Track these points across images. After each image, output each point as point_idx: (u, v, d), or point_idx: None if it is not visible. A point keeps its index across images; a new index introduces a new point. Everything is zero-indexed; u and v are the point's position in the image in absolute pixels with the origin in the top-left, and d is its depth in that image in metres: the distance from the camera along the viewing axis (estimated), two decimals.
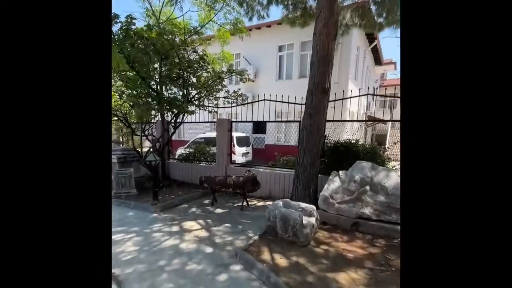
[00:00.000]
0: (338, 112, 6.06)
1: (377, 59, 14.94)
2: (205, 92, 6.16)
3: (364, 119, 11.29)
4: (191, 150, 7.60)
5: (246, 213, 4.99)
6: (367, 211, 3.85)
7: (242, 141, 9.80)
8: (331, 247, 3.44)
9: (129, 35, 4.09)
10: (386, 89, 17.91)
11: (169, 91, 5.88)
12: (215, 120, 6.70)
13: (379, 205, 3.84)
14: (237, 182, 5.11)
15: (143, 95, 5.22)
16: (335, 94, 5.70)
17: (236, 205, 5.48)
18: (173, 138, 8.13)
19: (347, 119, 9.42)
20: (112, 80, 5.13)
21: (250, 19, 7.39)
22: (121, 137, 11.21)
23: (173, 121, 6.29)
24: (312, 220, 3.59)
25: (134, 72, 4.75)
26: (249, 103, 6.19)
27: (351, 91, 6.86)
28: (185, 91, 5.80)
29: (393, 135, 12.14)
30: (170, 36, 4.67)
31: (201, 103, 6.09)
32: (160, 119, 6.54)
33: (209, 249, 3.52)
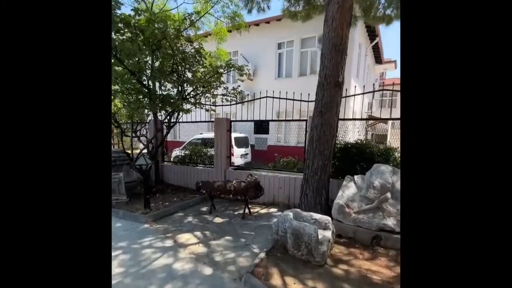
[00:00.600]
0: (341, 111, 5.54)
1: (378, 58, 14.49)
2: (201, 88, 5.59)
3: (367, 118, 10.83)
4: (187, 152, 7.01)
5: (248, 222, 4.42)
6: (390, 222, 3.31)
7: (241, 142, 9.25)
8: (351, 267, 2.90)
9: (114, 21, 3.51)
10: (384, 87, 17.50)
11: (163, 88, 5.30)
12: (212, 119, 6.12)
13: None
14: (238, 188, 4.54)
15: (133, 92, 4.63)
16: None
17: (236, 212, 4.91)
18: (168, 139, 7.55)
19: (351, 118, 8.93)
20: None
21: (250, 11, 6.84)
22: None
23: (167, 120, 5.71)
24: (328, 234, 3.04)
25: (122, 66, 4.17)
26: (250, 100, 5.63)
27: (355, 87, 6.33)
28: (179, 87, 5.22)
29: (393, 135, 11.71)
30: (162, 25, 4.10)
31: (197, 101, 5.51)
32: (152, 118, 5.92)
33: (208, 270, 2.95)
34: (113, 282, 2.71)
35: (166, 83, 5.16)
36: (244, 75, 5.77)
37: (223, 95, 5.92)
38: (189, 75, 5.32)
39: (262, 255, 3.13)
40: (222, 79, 5.70)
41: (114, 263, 3.07)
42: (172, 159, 7.69)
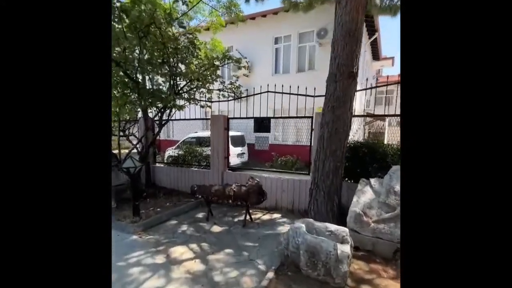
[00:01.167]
0: None
1: (375, 54, 14.12)
2: (196, 83, 5.05)
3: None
4: (180, 152, 6.46)
5: (250, 231, 3.92)
6: None
7: (237, 141, 8.75)
8: None
9: None
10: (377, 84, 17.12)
11: (153, 81, 4.73)
12: (208, 117, 5.59)
13: None
14: (238, 192, 4.03)
15: (118, 85, 4.06)
16: None
17: (236, 219, 4.40)
18: (162, 137, 6.98)
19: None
20: None
21: (247, 0, 6.32)
22: None
23: (158, 117, 5.15)
24: (347, 249, 2.56)
25: None
26: (249, 95, 5.12)
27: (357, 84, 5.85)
28: (171, 81, 4.66)
29: (390, 133, 11.36)
30: (150, 7, 3.54)
31: (191, 96, 4.96)
32: (142, 115, 5.34)
33: None
34: None
35: (157, 76, 4.59)
36: (242, 69, 5.23)
37: (219, 90, 5.39)
38: (182, 67, 4.76)
39: (271, 274, 2.63)
40: (218, 72, 5.16)
41: None
42: (165, 159, 7.13)
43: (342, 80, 3.29)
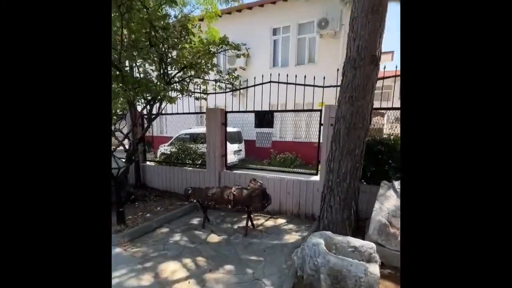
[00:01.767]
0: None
1: None
2: (190, 72, 4.45)
3: None
4: (173, 150, 5.87)
5: (253, 241, 3.39)
6: None
7: (233, 137, 8.21)
8: None
9: None
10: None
11: (140, 69, 4.11)
12: (203, 111, 5.00)
13: None
14: (239, 196, 3.49)
15: None
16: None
17: (236, 226, 3.86)
18: (155, 133, 6.37)
19: None
20: None
21: None
22: None
23: (147, 111, 4.55)
24: (376, 270, 2.04)
25: None
26: (249, 86, 4.53)
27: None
28: (162, 69, 4.06)
29: (388, 129, 10.94)
30: None
31: (185, 87, 4.36)
32: (127, 109, 4.71)
33: None
34: None
35: (144, 62, 3.97)
36: (240, 58, 4.65)
37: (216, 81, 4.80)
38: (174, 54, 4.15)
39: None
40: (214, 60, 4.56)
41: None
42: (158, 157, 6.52)
43: (363, 65, 2.75)
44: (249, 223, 3.64)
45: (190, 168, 5.30)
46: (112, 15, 3.27)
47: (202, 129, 7.76)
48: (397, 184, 2.94)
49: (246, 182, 4.53)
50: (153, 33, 3.61)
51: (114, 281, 2.54)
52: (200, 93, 4.76)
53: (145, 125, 4.78)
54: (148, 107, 4.45)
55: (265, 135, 7.92)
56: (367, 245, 2.26)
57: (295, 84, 4.11)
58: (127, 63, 4.00)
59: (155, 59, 3.66)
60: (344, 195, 2.93)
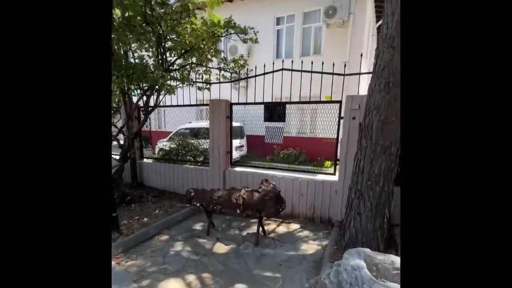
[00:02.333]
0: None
1: None
2: (191, 59, 3.92)
3: None
4: (173, 145, 5.37)
5: (266, 252, 2.92)
6: None
7: (236, 132, 7.71)
8: None
9: None
10: None
11: (136, 54, 3.58)
12: (206, 103, 4.48)
13: None
14: (249, 200, 3.01)
15: None
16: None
17: (245, 232, 3.40)
18: (152, 128, 5.85)
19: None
20: None
21: None
22: None
23: (143, 103, 4.03)
24: None
25: None
26: (260, 74, 4.00)
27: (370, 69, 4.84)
28: (160, 55, 3.53)
29: None
30: None
31: (185, 76, 3.83)
32: (121, 100, 4.18)
33: None
34: None
35: (139, 47, 3.44)
36: (248, 42, 4.12)
37: (220, 69, 4.28)
38: (174, 37, 3.61)
39: None
40: (219, 46, 4.03)
41: None
42: (156, 154, 6.01)
43: None
44: (260, 230, 3.17)
45: (192, 166, 4.81)
46: None
47: (202, 124, 7.26)
48: None
49: (254, 181, 4.06)
50: (149, 13, 3.08)
51: None
52: (202, 82, 4.24)
53: (142, 119, 4.26)
54: (144, 98, 3.93)
55: (276, 130, 7.30)
56: None
57: (311, 72, 3.60)
58: (118, 46, 3.46)
59: (152, 39, 3.13)
60: (377, 201, 2.46)
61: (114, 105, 4.70)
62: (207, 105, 4.37)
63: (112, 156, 3.17)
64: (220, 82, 4.32)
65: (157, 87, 3.88)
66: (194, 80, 4.15)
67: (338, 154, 3.56)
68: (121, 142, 4.26)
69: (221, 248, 3.01)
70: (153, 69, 3.22)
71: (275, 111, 3.81)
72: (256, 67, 4.29)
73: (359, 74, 3.40)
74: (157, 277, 2.47)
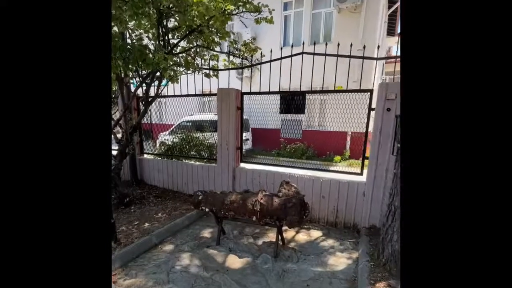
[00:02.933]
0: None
1: (391, 28, 12.40)
2: (196, 42, 3.39)
3: None
4: (175, 140, 4.89)
5: (287, 266, 2.48)
6: None
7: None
8: None
9: None
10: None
11: (134, 35, 3.05)
12: (213, 92, 3.97)
13: None
14: (269, 207, 2.55)
15: None
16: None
17: (261, 241, 2.95)
18: (153, 121, 5.34)
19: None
20: None
21: None
22: None
23: (143, 92, 3.52)
24: None
25: None
26: (275, 59, 3.46)
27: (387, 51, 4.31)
28: (161, 35, 3.00)
29: None
30: None
31: (189, 61, 3.31)
32: (118, 89, 3.66)
33: None
34: None
35: (137, 25, 2.90)
36: (253, 29, 3.58)
37: (229, 53, 3.76)
38: (177, 17, 3.07)
39: None
40: (229, 26, 3.49)
41: None
42: (158, 147, 5.54)
43: None
44: (279, 238, 2.72)
45: (197, 163, 4.33)
46: None
47: (205, 116, 6.77)
48: None
49: (267, 181, 3.60)
50: None
51: None
52: (209, 69, 3.71)
53: (141, 110, 3.76)
54: (144, 86, 3.42)
55: (293, 123, 6.64)
56: None
57: (337, 55, 3.08)
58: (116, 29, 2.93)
59: (151, 13, 2.60)
60: None
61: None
62: (214, 94, 3.86)
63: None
64: (229, 69, 3.80)
65: (158, 74, 3.38)
66: (200, 66, 3.62)
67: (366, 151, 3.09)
68: (119, 136, 3.78)
69: (235, 261, 2.56)
70: (153, 51, 2.70)
71: (292, 102, 3.30)
72: (261, 56, 3.75)
73: (396, 57, 2.88)
74: None
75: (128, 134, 3.52)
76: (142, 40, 2.86)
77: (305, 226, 3.31)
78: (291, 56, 3.34)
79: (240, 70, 7.78)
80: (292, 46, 3.66)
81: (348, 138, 7.83)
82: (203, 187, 4.12)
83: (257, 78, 4.25)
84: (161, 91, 3.68)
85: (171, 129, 6.48)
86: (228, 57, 3.80)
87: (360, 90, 3.11)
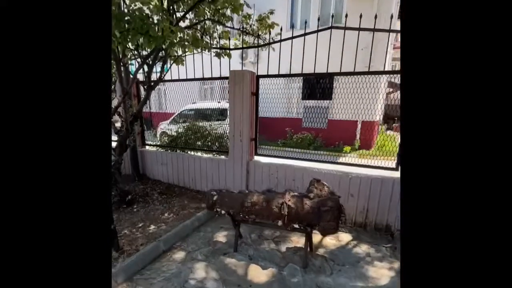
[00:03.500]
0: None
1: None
2: (205, 15, 2.89)
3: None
4: (180, 130, 4.43)
5: (320, 279, 2.11)
6: None
7: None
8: None
9: None
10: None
11: (133, 5, 2.55)
12: (225, 76, 3.48)
13: None
14: (298, 210, 2.14)
15: None
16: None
17: (284, 247, 2.57)
18: (153, 109, 4.88)
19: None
20: None
21: None
22: None
23: (145, 75, 3.04)
24: None
25: None
26: (297, 36, 2.96)
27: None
28: (166, 7, 2.49)
29: None
30: None
31: (197, 38, 2.81)
32: (115, 72, 3.17)
33: None
34: None
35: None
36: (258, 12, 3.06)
37: (242, 30, 3.25)
38: None
39: None
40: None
41: None
42: (158, 137, 5.09)
43: None
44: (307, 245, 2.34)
45: (206, 156, 3.90)
46: None
47: (208, 104, 6.30)
48: None
49: (286, 176, 3.20)
50: None
51: None
52: (220, 48, 3.21)
53: (143, 96, 3.28)
54: (145, 68, 2.93)
55: (318, 110, 5.94)
56: None
57: (374, 30, 2.61)
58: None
59: None
60: None
61: None
62: (225, 78, 3.39)
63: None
64: (243, 48, 3.30)
65: (161, 54, 2.89)
66: (210, 44, 3.12)
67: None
68: (117, 125, 3.32)
69: (258, 273, 2.18)
70: (157, 22, 2.21)
71: (318, 85, 2.84)
72: (281, 31, 3.26)
73: None
74: None
75: (128, 124, 3.05)
76: (143, 11, 2.36)
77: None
78: (317, 31, 2.86)
79: (243, 55, 7.25)
80: (305, 26, 3.16)
81: (376, 128, 7.38)
82: (212, 183, 3.71)
83: (264, 63, 3.72)
84: (165, 75, 3.20)
85: (172, 118, 6.01)
86: (242, 35, 3.29)
87: (393, 72, 2.65)
